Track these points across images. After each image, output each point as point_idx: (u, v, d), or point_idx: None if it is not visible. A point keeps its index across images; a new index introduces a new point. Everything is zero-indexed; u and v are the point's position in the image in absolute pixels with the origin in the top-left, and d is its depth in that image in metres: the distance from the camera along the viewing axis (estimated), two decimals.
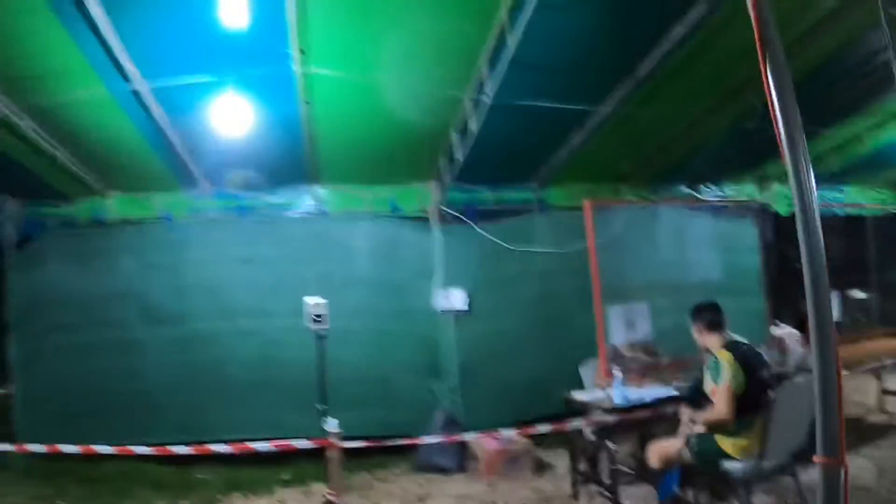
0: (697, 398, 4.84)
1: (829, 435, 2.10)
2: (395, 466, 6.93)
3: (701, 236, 8.51)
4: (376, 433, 6.31)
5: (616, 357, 6.07)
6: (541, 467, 6.67)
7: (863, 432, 6.89)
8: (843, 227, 11.13)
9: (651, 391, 5.71)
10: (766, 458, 4.39)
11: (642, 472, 5.50)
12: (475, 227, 7.63)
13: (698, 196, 9.25)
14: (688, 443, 4.65)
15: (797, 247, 2.13)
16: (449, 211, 7.59)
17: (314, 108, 5.73)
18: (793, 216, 2.18)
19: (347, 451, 5.56)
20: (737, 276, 9.19)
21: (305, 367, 5.83)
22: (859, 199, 10.86)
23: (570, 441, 5.94)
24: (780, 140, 2.15)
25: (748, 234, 9.60)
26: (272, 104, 5.55)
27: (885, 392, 7.79)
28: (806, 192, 2.13)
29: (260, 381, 7.10)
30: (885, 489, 5.35)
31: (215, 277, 7.22)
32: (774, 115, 2.14)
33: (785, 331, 7.44)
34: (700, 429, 4.62)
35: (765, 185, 9.87)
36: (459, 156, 6.77)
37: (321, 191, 7.47)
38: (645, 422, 5.55)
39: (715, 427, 4.51)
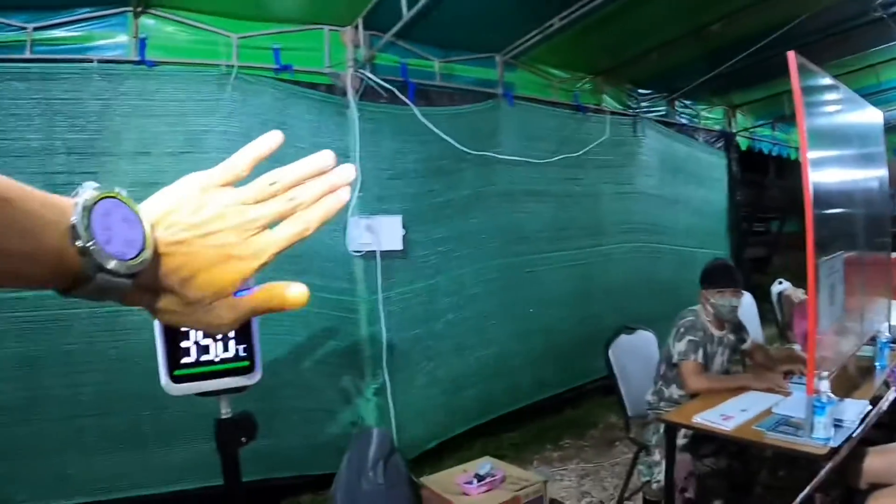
0: None
1: None
2: None
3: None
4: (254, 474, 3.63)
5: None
6: None
7: None
8: None
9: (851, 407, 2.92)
10: None
11: None
12: (416, 111, 4.30)
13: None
14: None
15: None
16: (374, 80, 4.14)
17: None
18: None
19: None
20: (707, 214, 7.25)
21: None
22: None
23: None
24: None
25: (719, 168, 7.25)
26: None
27: None
28: None
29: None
30: None
31: None
32: None
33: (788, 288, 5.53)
34: None
35: (731, 114, 7.72)
36: None
37: (148, 22, 3.68)
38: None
39: None
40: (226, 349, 1.64)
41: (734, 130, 7.62)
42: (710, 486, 3.45)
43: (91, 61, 3.54)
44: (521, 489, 3.56)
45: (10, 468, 3.48)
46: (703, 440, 3.31)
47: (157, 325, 1.52)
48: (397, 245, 4.09)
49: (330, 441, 3.94)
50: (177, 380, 1.61)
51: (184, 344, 1.60)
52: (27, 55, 3.43)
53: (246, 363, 1.68)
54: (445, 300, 4.57)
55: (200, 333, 1.60)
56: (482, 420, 4.83)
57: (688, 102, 6.88)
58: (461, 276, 4.68)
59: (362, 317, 4.09)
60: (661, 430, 3.32)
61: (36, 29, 3.44)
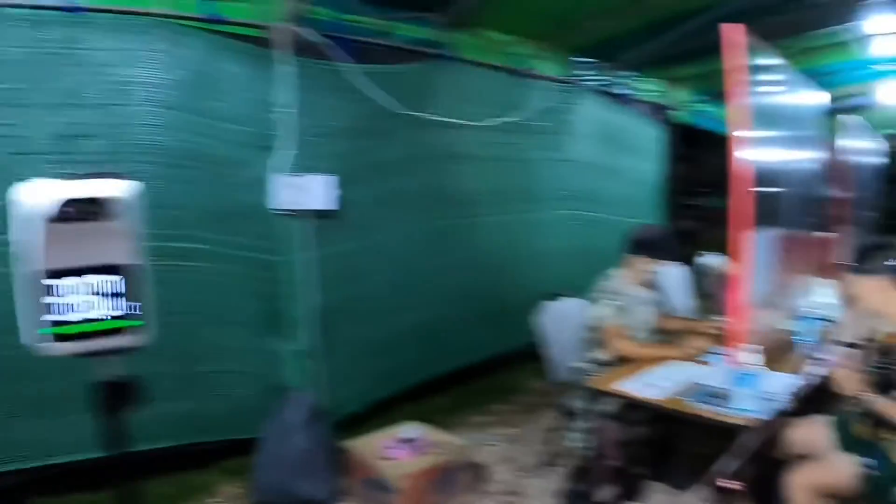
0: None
1: None
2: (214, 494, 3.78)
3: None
4: (173, 439, 3.64)
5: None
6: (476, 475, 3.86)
7: None
8: None
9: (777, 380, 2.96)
10: None
11: None
12: (351, 67, 4.12)
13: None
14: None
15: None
16: (309, 35, 3.95)
17: None
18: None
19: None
20: (642, 186, 7.28)
21: None
22: None
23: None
24: None
25: (654, 140, 7.24)
26: None
27: None
28: None
29: None
30: None
31: None
32: None
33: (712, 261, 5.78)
34: None
35: (672, 87, 7.67)
36: None
37: None
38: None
39: None
40: (116, 307, 1.42)
41: (671, 104, 7.64)
42: (633, 454, 3.46)
43: (12, 7, 3.21)
44: (445, 454, 3.52)
45: None
46: (632, 408, 3.33)
47: (20, 274, 1.25)
48: (328, 205, 3.91)
49: (257, 405, 3.79)
50: (60, 338, 1.36)
51: (67, 300, 1.36)
52: None
53: (140, 322, 1.45)
54: (376, 262, 4.44)
55: (85, 289, 1.37)
56: (411, 384, 4.76)
57: (627, 74, 6.82)
58: (393, 238, 4.54)
59: (290, 277, 3.93)
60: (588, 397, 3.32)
61: None
